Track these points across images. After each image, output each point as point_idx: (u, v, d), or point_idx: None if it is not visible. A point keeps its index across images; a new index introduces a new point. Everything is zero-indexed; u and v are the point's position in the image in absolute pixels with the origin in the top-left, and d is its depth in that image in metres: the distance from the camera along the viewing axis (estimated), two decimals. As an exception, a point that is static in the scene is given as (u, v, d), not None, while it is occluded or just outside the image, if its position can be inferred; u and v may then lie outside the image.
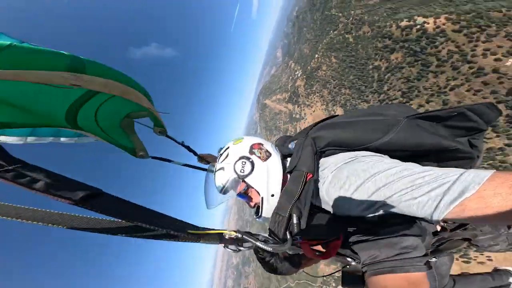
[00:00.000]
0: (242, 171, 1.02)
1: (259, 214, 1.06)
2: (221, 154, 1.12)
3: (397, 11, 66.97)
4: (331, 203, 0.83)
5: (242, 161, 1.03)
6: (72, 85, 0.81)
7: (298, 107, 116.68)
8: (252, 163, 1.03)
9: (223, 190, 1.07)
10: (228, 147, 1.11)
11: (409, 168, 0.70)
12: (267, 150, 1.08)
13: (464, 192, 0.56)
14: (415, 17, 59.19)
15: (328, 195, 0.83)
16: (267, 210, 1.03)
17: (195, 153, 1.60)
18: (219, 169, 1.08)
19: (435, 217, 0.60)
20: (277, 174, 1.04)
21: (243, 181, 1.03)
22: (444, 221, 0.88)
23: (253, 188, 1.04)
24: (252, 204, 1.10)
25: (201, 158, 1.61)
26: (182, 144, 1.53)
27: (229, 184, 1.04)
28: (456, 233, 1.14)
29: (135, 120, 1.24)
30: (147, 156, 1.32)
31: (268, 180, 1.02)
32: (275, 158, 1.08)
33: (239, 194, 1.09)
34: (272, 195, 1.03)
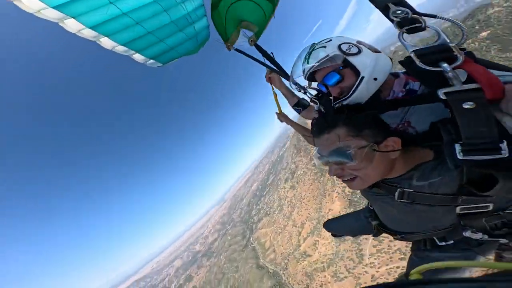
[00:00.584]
0: (348, 50, 1.03)
1: (348, 95, 1.03)
2: (318, 42, 1.14)
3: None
4: None
5: (349, 45, 1.04)
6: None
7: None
8: (360, 48, 1.03)
9: (317, 66, 1.06)
10: (330, 38, 1.12)
11: None
12: (376, 49, 1.08)
13: None
14: None
15: None
16: (362, 92, 1.01)
17: (278, 67, 1.74)
18: (319, 47, 1.08)
19: None
20: (386, 66, 1.04)
21: (345, 59, 1.03)
22: None
23: (353, 67, 1.02)
24: (342, 86, 1.07)
25: (279, 72, 1.75)
26: (271, 56, 1.75)
27: (329, 58, 1.04)
28: None
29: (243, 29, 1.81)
30: (232, 48, 1.81)
31: (375, 65, 1.01)
32: (386, 56, 1.07)
33: (331, 74, 1.07)
34: (375, 79, 1.01)
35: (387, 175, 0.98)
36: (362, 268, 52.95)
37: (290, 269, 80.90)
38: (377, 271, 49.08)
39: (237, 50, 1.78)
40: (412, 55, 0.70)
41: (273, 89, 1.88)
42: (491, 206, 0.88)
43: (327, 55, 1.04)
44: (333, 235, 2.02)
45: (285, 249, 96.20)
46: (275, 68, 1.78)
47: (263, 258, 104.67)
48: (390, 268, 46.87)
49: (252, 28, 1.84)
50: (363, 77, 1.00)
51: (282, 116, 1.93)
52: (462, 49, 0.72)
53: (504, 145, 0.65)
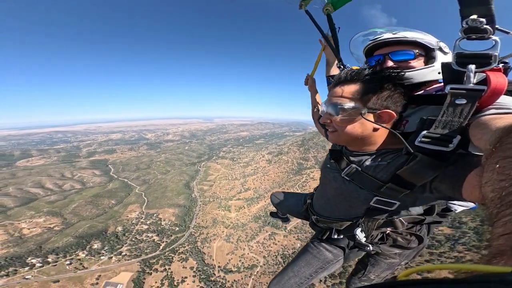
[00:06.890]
0: (443, 47, 1.07)
1: (406, 70, 1.03)
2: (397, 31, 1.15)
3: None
4: None
5: (446, 46, 1.09)
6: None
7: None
8: (449, 52, 1.08)
9: (407, 39, 1.08)
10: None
11: None
12: None
13: None
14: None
15: None
16: (418, 74, 1.03)
17: (336, 42, 1.77)
18: (418, 31, 1.11)
19: None
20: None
21: (432, 49, 1.06)
22: None
23: (432, 58, 1.06)
24: (405, 65, 1.08)
25: (333, 47, 1.76)
26: (335, 30, 1.80)
27: (426, 42, 1.06)
28: None
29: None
30: (304, 8, 1.80)
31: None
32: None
33: (407, 51, 1.08)
34: (439, 73, 1.03)
35: (360, 147, 1.01)
36: (245, 245, 59.62)
37: (207, 207, 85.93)
38: (248, 254, 55.56)
39: (306, 11, 1.79)
40: (453, 54, 0.71)
41: (320, 53, 1.93)
42: (396, 205, 0.96)
43: (423, 40, 1.06)
44: (271, 214, 2.52)
45: (219, 192, 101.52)
46: (331, 43, 1.78)
47: (197, 183, 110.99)
48: (255, 257, 53.22)
49: None
50: (433, 66, 1.03)
51: (311, 79, 1.98)
52: (505, 62, 0.72)
53: (456, 140, 0.68)
